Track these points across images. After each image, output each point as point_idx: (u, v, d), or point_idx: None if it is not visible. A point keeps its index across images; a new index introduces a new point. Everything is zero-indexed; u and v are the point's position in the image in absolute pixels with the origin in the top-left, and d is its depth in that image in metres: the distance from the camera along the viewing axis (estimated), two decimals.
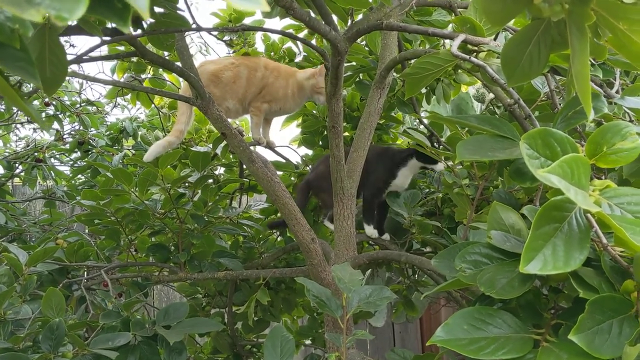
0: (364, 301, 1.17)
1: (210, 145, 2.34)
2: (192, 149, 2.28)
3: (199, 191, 2.19)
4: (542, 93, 1.56)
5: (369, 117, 1.75)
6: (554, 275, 0.86)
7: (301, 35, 2.70)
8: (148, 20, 1.41)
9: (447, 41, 2.24)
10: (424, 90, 2.42)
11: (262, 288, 2.03)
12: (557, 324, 0.85)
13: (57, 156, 3.24)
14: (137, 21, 1.39)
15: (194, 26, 1.35)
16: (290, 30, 2.62)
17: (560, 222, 0.71)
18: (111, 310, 1.76)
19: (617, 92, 1.30)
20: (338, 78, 1.47)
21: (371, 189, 1.96)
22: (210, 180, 2.21)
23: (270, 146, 2.29)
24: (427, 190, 2.42)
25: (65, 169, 3.30)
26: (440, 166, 1.85)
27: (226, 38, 2.46)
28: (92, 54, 1.45)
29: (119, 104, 3.51)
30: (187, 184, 2.36)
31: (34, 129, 3.51)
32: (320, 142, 2.60)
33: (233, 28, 1.34)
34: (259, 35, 2.67)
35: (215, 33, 2.33)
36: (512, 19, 0.70)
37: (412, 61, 2.17)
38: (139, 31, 1.42)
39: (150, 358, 1.70)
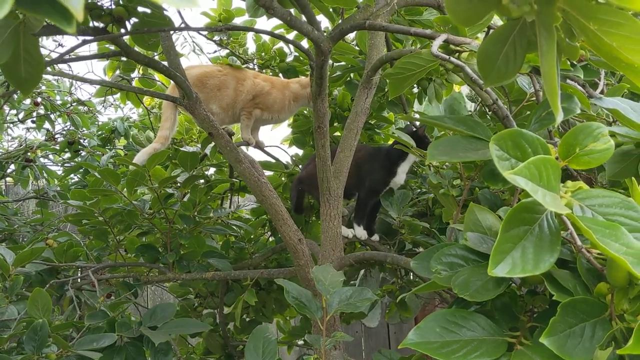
0: (344, 302, 1.16)
1: (200, 145, 2.34)
2: (182, 149, 2.27)
3: (189, 191, 2.19)
4: (528, 93, 1.56)
5: (355, 117, 1.74)
6: (530, 277, 0.85)
7: (291, 35, 2.69)
8: (132, 20, 1.41)
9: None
10: (415, 90, 2.41)
11: (249, 289, 2.02)
12: (533, 326, 0.85)
13: (50, 156, 3.23)
14: (120, 20, 1.39)
15: (182, 26, 1.34)
16: (281, 30, 2.61)
17: (530, 225, 0.70)
18: (97, 311, 1.76)
19: (602, 92, 1.29)
20: (322, 78, 1.46)
21: (368, 189, 1.95)
22: (202, 181, 2.20)
23: (259, 146, 2.29)
24: (419, 190, 2.41)
25: (57, 169, 3.29)
26: None
27: (216, 38, 2.45)
28: (80, 53, 1.44)
29: (111, 104, 3.51)
30: (177, 185, 2.35)
31: (27, 128, 3.50)
32: (311, 142, 2.59)
33: (220, 27, 1.34)
34: (250, 35, 2.66)
35: (204, 33, 2.32)
36: (480, 19, 0.69)
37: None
38: (122, 30, 1.42)
39: (135, 359, 1.69)
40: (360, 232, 1.99)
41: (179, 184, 2.27)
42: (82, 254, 2.27)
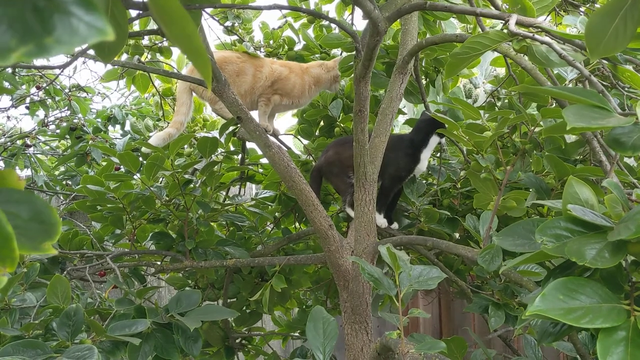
0: (416, 280, 1.16)
1: (215, 132, 2.30)
2: (198, 134, 2.23)
3: (201, 179, 2.14)
4: (567, 80, 1.59)
5: (390, 102, 1.74)
6: (635, 247, 0.87)
7: (298, 24, 2.68)
8: None
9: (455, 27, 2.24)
10: (424, 82, 2.43)
11: (277, 275, 2.00)
12: (637, 295, 0.86)
13: (42, 143, 3.10)
14: None
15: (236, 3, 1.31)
16: (290, 19, 2.60)
17: None
18: (124, 298, 1.70)
19: None
20: (372, 60, 1.46)
21: (392, 177, 1.95)
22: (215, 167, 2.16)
23: (275, 134, 2.27)
24: (425, 181, 2.44)
25: (45, 159, 3.17)
26: None
27: (227, 24, 2.41)
28: None
29: (99, 92, 3.41)
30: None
31: (8, 116, 3.37)
32: (317, 132, 2.57)
33: (274, 6, 1.31)
34: (256, 23, 2.64)
35: (217, 18, 2.28)
36: None
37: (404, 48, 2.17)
38: None
39: (165, 346, 1.65)
40: (381, 220, 1.99)
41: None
42: (87, 243, 2.20)
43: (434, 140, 1.97)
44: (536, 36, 1.05)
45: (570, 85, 1.68)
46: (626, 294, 0.88)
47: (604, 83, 1.43)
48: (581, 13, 2.28)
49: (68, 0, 0.31)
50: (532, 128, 1.60)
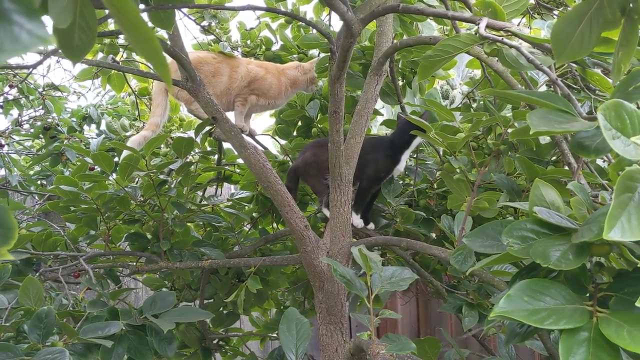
0: (387, 281, 1.17)
1: (191, 132, 2.28)
2: (174, 135, 2.22)
3: (176, 179, 2.13)
4: (539, 83, 1.61)
5: (366, 103, 1.75)
6: (598, 249, 0.89)
7: (276, 24, 2.68)
8: None
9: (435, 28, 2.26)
10: (400, 83, 2.44)
11: (252, 275, 1.99)
12: (603, 296, 0.88)
13: (16, 142, 3.06)
14: None
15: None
16: (267, 19, 2.60)
17: (632, 192, 0.73)
18: (97, 300, 1.69)
19: None
20: (346, 61, 1.46)
21: (371, 178, 1.96)
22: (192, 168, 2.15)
23: (251, 134, 2.26)
24: (402, 182, 2.45)
25: (19, 158, 3.13)
26: None
27: (204, 23, 2.40)
28: None
29: (74, 91, 3.37)
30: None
31: None
32: (295, 133, 2.57)
33: (249, 6, 1.31)
34: (233, 23, 2.63)
35: (194, 17, 2.27)
36: None
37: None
38: (142, 6, 1.37)
39: (139, 348, 1.64)
40: (357, 220, 2.00)
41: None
42: (60, 244, 2.17)
43: (415, 142, 1.98)
44: (505, 40, 1.06)
45: (544, 87, 1.71)
46: (590, 294, 0.90)
47: (574, 86, 1.45)
48: (554, 16, 2.31)
49: (10, 9, 0.31)
50: (505, 129, 1.62)
